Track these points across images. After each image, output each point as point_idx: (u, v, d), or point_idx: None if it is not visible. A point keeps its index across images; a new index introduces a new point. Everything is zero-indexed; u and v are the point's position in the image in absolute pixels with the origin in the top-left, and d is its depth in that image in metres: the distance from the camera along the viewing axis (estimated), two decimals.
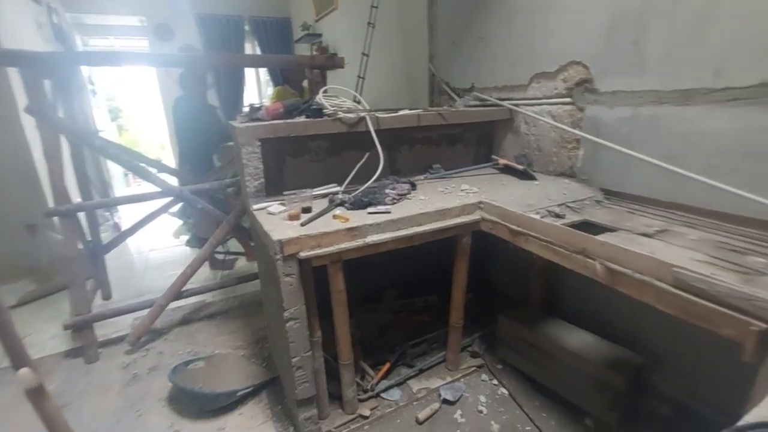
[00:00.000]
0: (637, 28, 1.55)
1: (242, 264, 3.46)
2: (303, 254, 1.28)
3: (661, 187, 1.57)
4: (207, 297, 2.80)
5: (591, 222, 1.49)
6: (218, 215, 2.57)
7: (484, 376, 1.86)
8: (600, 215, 1.53)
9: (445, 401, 1.70)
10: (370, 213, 1.47)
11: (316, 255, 1.29)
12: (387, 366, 1.83)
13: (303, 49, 5.46)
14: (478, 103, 2.36)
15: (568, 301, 2.05)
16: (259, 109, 1.66)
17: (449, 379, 1.84)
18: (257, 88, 6.50)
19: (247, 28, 5.72)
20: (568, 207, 1.62)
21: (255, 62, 4.68)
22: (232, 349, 2.23)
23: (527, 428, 1.57)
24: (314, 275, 1.40)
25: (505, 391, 1.76)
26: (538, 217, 1.45)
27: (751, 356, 0.87)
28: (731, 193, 1.23)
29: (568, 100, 1.88)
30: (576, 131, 1.82)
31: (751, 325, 0.85)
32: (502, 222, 1.52)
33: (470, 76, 2.44)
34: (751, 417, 0.58)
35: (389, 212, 1.47)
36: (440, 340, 2.01)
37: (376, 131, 1.74)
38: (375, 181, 1.68)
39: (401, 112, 1.82)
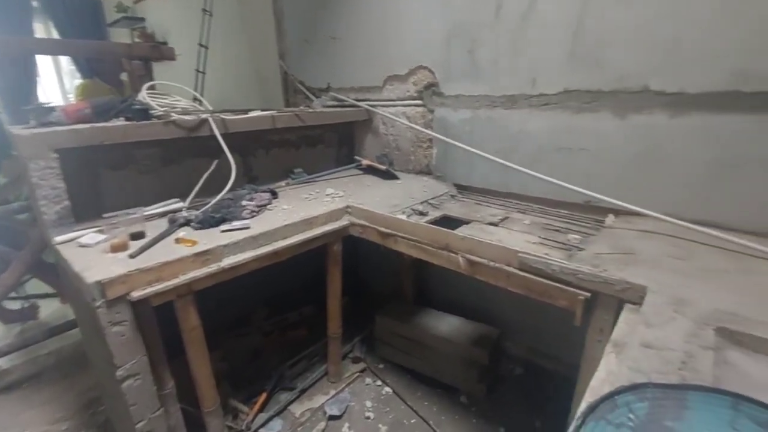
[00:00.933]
0: (469, 39, 1.72)
1: (54, 309, 2.65)
2: (136, 294, 1.00)
3: (499, 180, 1.78)
4: (1, 363, 2.09)
5: (449, 216, 1.59)
6: (4, 252, 1.92)
7: (368, 380, 1.85)
8: (456, 209, 1.66)
9: (332, 417, 1.62)
10: (224, 231, 1.27)
11: (155, 292, 1.04)
12: (263, 396, 1.65)
13: (121, 35, 4.55)
14: (336, 103, 2.32)
15: (437, 290, 2.20)
16: (52, 109, 1.26)
17: (333, 392, 1.76)
18: (59, 82, 5.18)
19: (35, 3, 4.47)
20: (429, 204, 1.70)
21: (46, 49, 3.61)
22: (48, 425, 1.69)
23: (413, 421, 1.62)
24: (158, 309, 1.14)
25: (389, 389, 1.78)
26: (404, 217, 1.48)
27: (580, 321, 1.03)
28: (548, 182, 1.46)
29: (419, 102, 1.99)
30: (428, 131, 1.93)
31: (578, 296, 1.00)
32: (371, 225, 1.50)
33: (326, 75, 2.38)
34: (595, 381, 0.66)
35: (248, 227, 1.29)
36: (320, 352, 1.92)
37: (224, 135, 1.52)
38: (228, 192, 1.47)
39: (252, 114, 1.64)
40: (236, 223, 1.30)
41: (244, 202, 1.43)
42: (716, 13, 1.17)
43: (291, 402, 1.69)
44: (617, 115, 1.42)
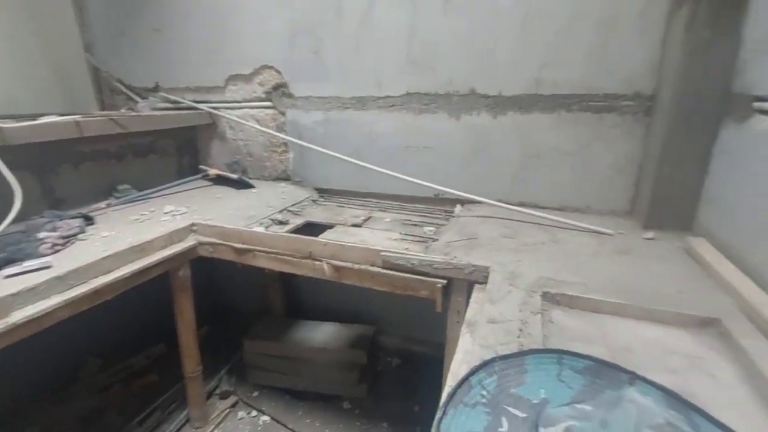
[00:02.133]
0: (313, 39, 1.68)
1: None
2: None
3: (358, 181, 1.80)
4: None
5: (312, 222, 1.54)
6: None
7: (241, 413, 1.66)
8: (318, 214, 1.61)
9: None
10: (9, 276, 0.95)
11: None
12: None
13: None
14: (169, 105, 2.01)
15: (309, 299, 2.12)
16: None
17: None
18: None
19: None
20: (290, 211, 1.61)
21: None
22: None
23: None
24: None
25: (266, 417, 1.63)
26: (262, 229, 1.37)
27: (440, 308, 1.10)
28: (401, 179, 1.53)
29: (269, 104, 1.87)
30: (281, 135, 1.83)
31: (436, 284, 1.06)
32: (224, 242, 1.34)
33: (153, 73, 2.05)
34: (454, 364, 0.70)
35: (49, 266, 1.00)
36: (179, 397, 1.64)
37: (1, 149, 1.15)
38: (13, 223, 1.11)
39: (44, 119, 1.27)
40: (30, 263, 0.99)
41: (42, 234, 1.10)
42: (519, 29, 1.40)
43: None
44: (452, 116, 1.58)
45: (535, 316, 0.80)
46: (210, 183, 1.93)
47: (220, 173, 1.92)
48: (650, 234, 1.23)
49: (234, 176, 1.89)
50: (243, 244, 1.31)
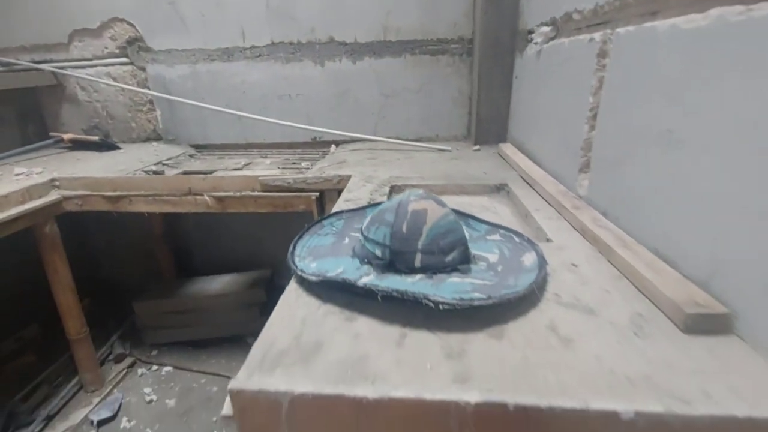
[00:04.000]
0: None
1: None
2: None
3: (236, 133, 1.86)
4: None
5: (190, 171, 1.56)
6: None
7: (141, 370, 1.65)
8: (196, 165, 1.64)
9: (102, 422, 1.39)
10: None
11: None
12: None
13: None
14: (1, 69, 1.77)
15: (199, 256, 2.12)
16: None
17: (97, 399, 1.49)
18: None
19: None
20: (165, 165, 1.61)
21: None
22: None
23: (203, 381, 1.59)
24: None
25: (169, 368, 1.66)
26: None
27: (316, 217, 1.28)
28: (279, 125, 1.65)
29: (125, 60, 1.78)
30: (146, 91, 1.78)
31: (311, 197, 1.24)
32: (94, 193, 1.31)
33: None
34: None
35: None
36: (67, 368, 1.56)
37: None
38: None
39: None
40: None
41: None
42: None
43: None
44: (317, 63, 1.73)
45: (382, 197, 1.03)
46: (66, 149, 1.79)
47: (77, 137, 1.78)
48: (477, 147, 1.58)
49: (94, 138, 1.78)
50: (116, 191, 1.30)
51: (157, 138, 1.90)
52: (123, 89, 1.79)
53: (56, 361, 1.57)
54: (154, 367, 1.66)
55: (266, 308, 1.82)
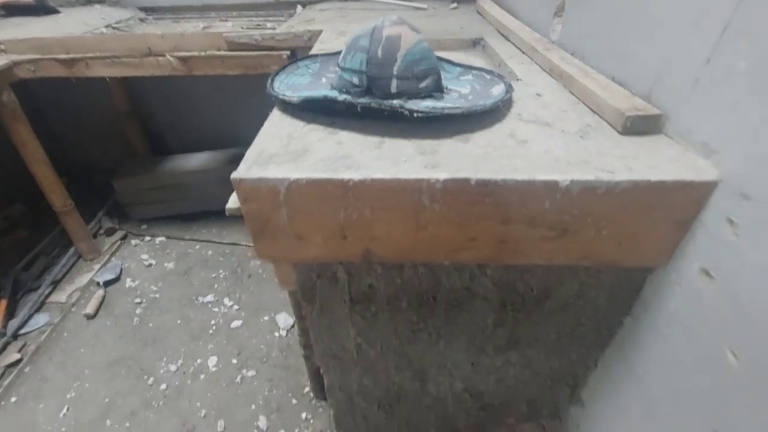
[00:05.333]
0: None
1: None
2: None
3: None
4: None
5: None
6: None
7: (135, 241, 1.75)
8: (151, 30, 1.50)
9: (108, 282, 1.52)
10: None
11: None
12: (3, 304, 1.35)
13: None
14: None
15: (172, 137, 2.07)
16: None
17: (98, 266, 1.61)
18: None
19: None
20: (114, 28, 1.46)
21: None
22: None
23: (197, 247, 1.70)
24: None
25: (162, 238, 1.76)
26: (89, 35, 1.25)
27: None
28: None
29: None
30: None
31: (282, 55, 1.19)
32: (46, 56, 1.21)
33: None
34: None
35: None
36: (60, 241, 1.64)
37: None
38: None
39: None
40: None
41: None
42: None
43: (48, 295, 1.46)
44: None
45: None
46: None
47: (9, 1, 1.55)
48: (455, 5, 1.49)
49: (30, 1, 1.56)
50: (70, 53, 1.20)
51: (101, 1, 1.68)
52: None
53: (48, 234, 1.63)
54: (147, 238, 1.75)
55: None
